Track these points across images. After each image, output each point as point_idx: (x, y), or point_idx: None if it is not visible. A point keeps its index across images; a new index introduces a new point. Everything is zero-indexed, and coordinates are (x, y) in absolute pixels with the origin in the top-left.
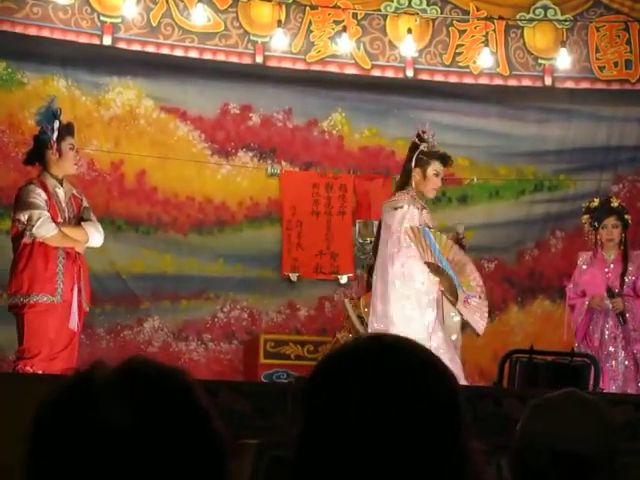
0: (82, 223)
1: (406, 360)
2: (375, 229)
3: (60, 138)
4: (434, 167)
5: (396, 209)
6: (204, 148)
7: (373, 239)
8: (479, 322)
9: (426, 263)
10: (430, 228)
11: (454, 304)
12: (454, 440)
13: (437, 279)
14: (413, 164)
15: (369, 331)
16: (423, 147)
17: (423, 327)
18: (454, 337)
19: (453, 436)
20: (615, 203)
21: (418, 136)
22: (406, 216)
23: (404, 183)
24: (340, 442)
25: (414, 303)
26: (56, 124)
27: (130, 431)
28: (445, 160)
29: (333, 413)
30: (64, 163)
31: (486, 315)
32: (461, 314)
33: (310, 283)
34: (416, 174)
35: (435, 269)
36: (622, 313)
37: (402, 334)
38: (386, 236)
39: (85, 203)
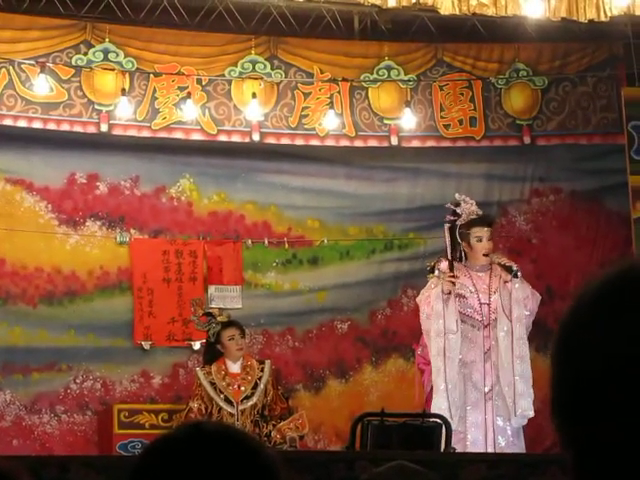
0: None
1: (224, 449)
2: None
3: None
4: (475, 234)
5: None
6: (51, 218)
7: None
8: None
9: None
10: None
11: None
12: None
13: None
14: (459, 240)
15: None
16: (459, 222)
17: None
18: None
19: None
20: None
21: (452, 213)
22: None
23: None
24: None
25: None
26: None
27: None
28: (482, 220)
29: None
30: None
31: None
32: None
33: (163, 351)
34: (465, 248)
35: None
36: None
37: None
38: None
39: None
